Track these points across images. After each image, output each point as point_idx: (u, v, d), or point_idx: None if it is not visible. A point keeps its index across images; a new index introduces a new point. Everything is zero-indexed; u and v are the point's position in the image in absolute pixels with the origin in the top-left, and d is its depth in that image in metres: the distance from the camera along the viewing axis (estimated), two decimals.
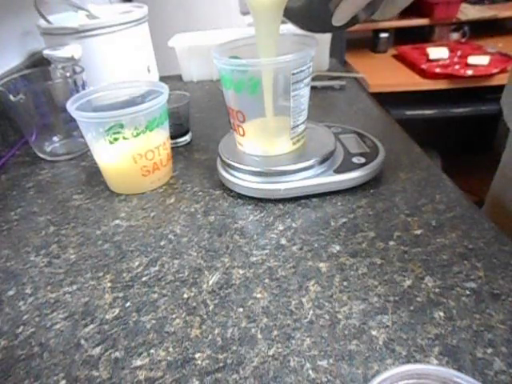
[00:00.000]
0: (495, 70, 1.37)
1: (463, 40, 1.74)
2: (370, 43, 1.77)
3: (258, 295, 0.36)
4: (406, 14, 1.62)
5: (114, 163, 0.51)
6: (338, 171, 0.47)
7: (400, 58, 1.65)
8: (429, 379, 0.21)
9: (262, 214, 0.46)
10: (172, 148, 0.56)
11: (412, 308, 0.33)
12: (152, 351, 0.32)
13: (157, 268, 0.40)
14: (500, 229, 0.41)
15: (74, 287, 0.38)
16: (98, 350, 0.32)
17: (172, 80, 0.94)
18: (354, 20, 0.39)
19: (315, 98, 0.76)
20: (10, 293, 0.39)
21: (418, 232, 0.41)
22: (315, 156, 0.47)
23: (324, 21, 0.39)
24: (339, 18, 0.38)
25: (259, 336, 0.32)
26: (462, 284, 0.35)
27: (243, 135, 0.48)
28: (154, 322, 0.34)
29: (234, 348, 0.31)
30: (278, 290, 0.36)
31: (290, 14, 0.41)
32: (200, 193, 0.51)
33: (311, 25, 0.42)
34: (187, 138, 0.64)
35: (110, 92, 0.54)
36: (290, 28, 0.43)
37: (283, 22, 0.42)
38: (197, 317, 0.34)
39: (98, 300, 0.37)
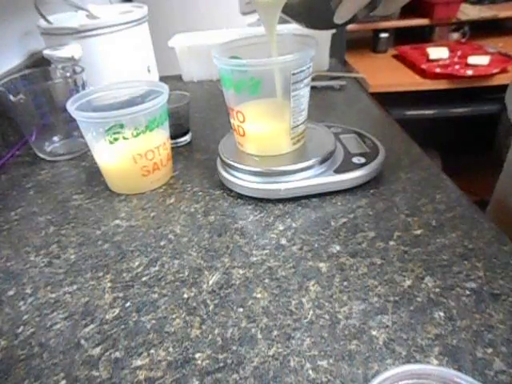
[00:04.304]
0: (495, 70, 1.37)
1: (463, 40, 1.73)
2: (370, 43, 1.77)
3: (258, 295, 0.36)
4: (406, 13, 1.62)
5: (114, 163, 0.51)
6: (337, 171, 0.47)
7: (400, 58, 1.65)
8: (429, 379, 0.21)
9: (262, 214, 0.46)
10: (172, 148, 0.56)
11: (412, 308, 0.33)
12: (152, 351, 0.32)
13: (157, 268, 0.40)
14: (506, 229, 0.41)
15: (74, 287, 0.38)
16: (97, 349, 0.32)
17: (172, 80, 0.93)
18: (354, 17, 0.39)
19: (315, 98, 0.76)
20: (10, 293, 0.39)
21: (418, 232, 0.41)
22: (315, 156, 0.47)
23: (325, 17, 0.39)
24: (342, 16, 0.38)
25: (259, 336, 0.32)
26: (462, 284, 0.35)
27: (243, 135, 0.48)
28: (153, 321, 0.34)
29: (234, 348, 0.31)
30: (278, 290, 0.36)
31: (290, 11, 0.41)
32: (200, 193, 0.51)
33: (311, 21, 0.42)
34: (187, 138, 0.64)
35: (110, 92, 0.54)
36: (290, 28, 0.42)
37: (285, 21, 0.42)
38: (197, 317, 0.34)
39: (97, 300, 0.37)
